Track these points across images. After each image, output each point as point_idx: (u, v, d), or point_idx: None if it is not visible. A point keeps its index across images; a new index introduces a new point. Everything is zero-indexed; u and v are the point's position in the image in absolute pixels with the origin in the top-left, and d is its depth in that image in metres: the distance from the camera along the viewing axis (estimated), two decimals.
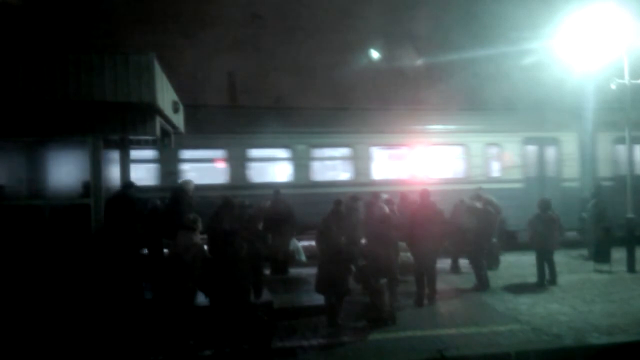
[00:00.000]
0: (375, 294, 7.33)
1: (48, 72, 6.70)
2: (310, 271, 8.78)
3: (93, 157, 7.24)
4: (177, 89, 9.02)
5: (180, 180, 10.20)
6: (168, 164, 11.57)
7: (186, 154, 11.78)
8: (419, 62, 23.43)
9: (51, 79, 6.70)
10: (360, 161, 12.75)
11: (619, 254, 10.58)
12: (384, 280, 7.31)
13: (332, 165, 13.35)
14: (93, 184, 7.24)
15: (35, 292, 6.74)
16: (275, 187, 10.97)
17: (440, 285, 8.81)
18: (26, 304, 6.67)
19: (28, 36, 15.82)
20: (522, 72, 11.00)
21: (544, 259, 9.50)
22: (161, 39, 18.11)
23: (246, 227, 7.73)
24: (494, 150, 13.44)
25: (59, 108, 6.98)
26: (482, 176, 13.02)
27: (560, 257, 10.43)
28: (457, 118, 13.76)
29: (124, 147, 9.48)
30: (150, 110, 7.26)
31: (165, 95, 7.78)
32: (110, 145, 8.43)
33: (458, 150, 13.32)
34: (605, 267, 10.44)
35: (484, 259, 9.36)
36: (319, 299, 7.53)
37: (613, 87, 10.99)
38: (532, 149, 13.54)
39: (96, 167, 7.26)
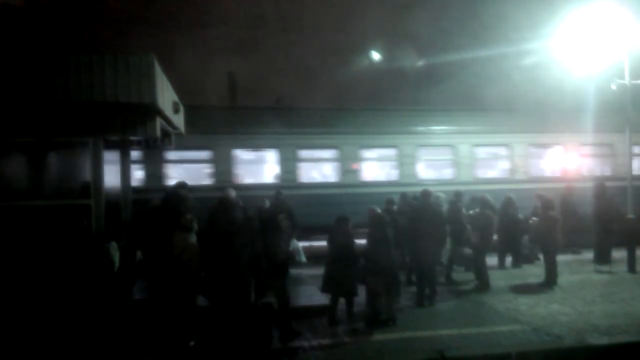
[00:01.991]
0: (375, 294, 7.33)
1: (48, 73, 6.71)
2: (311, 272, 8.81)
3: (94, 157, 7.25)
4: (178, 89, 9.03)
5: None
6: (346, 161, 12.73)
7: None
8: (421, 62, 23.46)
9: (51, 80, 6.71)
10: (517, 159, 13.56)
11: (619, 255, 10.58)
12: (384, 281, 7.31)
13: (489, 163, 14.36)
14: (94, 185, 7.25)
15: (35, 292, 6.74)
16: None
17: (441, 285, 8.81)
18: (26, 305, 6.67)
19: (28, 37, 15.84)
20: None
21: (545, 259, 9.49)
22: (161, 39, 18.14)
23: (246, 227, 7.73)
24: (638, 149, 14.05)
25: (59, 109, 6.99)
26: (626, 174, 13.25)
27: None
28: (603, 119, 13.99)
29: (124, 148, 9.48)
30: (151, 110, 7.26)
31: (166, 96, 7.79)
32: (110, 145, 8.43)
33: (605, 149, 14.06)
34: (605, 267, 10.43)
35: (485, 260, 9.36)
36: (319, 299, 7.53)
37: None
38: None
39: (97, 168, 7.26)
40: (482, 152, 13.83)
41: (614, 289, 9.01)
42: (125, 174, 9.36)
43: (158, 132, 7.55)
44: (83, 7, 18.38)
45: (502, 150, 13.89)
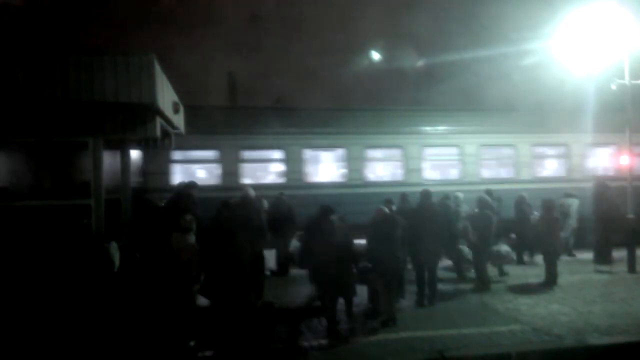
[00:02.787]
0: (376, 293, 7.32)
1: (49, 73, 6.72)
2: None
3: (94, 157, 7.25)
4: (178, 89, 9.03)
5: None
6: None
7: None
8: (421, 62, 23.45)
9: (52, 80, 6.72)
10: (575, 159, 14.02)
11: (619, 255, 10.57)
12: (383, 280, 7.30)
13: (548, 163, 14.67)
14: (94, 185, 7.25)
15: (35, 292, 6.74)
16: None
17: (441, 285, 8.81)
18: (27, 305, 6.67)
19: (29, 37, 15.84)
20: None
21: (545, 260, 9.49)
22: (161, 40, 18.13)
23: (247, 228, 7.73)
24: None
25: (59, 109, 7.00)
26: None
27: None
28: None
29: (124, 148, 9.48)
30: (151, 110, 7.27)
31: (166, 96, 7.80)
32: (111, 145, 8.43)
33: None
34: (605, 267, 10.42)
35: (485, 260, 9.35)
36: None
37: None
38: None
39: (97, 168, 7.27)
40: (541, 151, 14.24)
41: (614, 289, 9.01)
42: (125, 174, 9.36)
43: (158, 132, 7.56)
44: (83, 7, 18.38)
45: (560, 150, 14.28)
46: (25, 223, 7.14)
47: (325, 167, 13.47)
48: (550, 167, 14.63)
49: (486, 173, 13.62)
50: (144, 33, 18.41)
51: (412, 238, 8.29)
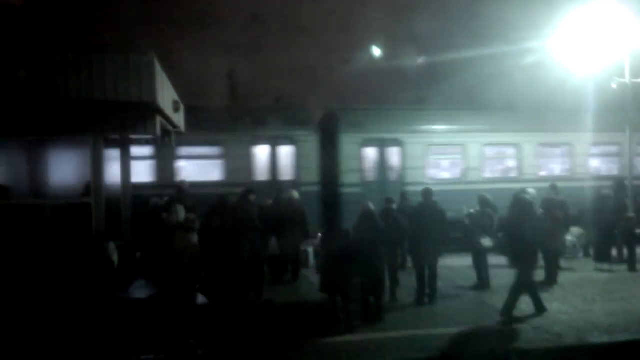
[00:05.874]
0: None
1: (49, 71, 6.72)
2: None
3: (94, 156, 7.26)
4: (178, 89, 9.03)
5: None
6: None
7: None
8: (422, 61, 23.41)
9: (52, 78, 6.72)
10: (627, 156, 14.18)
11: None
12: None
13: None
14: (94, 183, 7.26)
15: (35, 292, 6.74)
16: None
17: (441, 284, 8.83)
18: (27, 304, 6.67)
19: (29, 36, 15.84)
20: None
21: (545, 259, 9.49)
22: (162, 39, 18.14)
23: (246, 226, 7.75)
24: None
25: (59, 107, 7.00)
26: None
27: None
28: None
29: (124, 146, 9.48)
30: (151, 109, 7.27)
31: (166, 95, 7.80)
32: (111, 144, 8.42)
33: None
34: (605, 266, 10.42)
35: (486, 259, 9.35)
36: (320, 299, 7.53)
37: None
38: None
39: (97, 166, 7.27)
40: (596, 150, 14.85)
41: (614, 288, 9.00)
42: (125, 173, 9.36)
43: (158, 131, 7.57)
44: (84, 6, 18.39)
45: (613, 149, 14.76)
46: (25, 222, 7.14)
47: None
48: (604, 166, 15.02)
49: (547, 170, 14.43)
50: (145, 33, 18.40)
51: (413, 236, 8.31)
